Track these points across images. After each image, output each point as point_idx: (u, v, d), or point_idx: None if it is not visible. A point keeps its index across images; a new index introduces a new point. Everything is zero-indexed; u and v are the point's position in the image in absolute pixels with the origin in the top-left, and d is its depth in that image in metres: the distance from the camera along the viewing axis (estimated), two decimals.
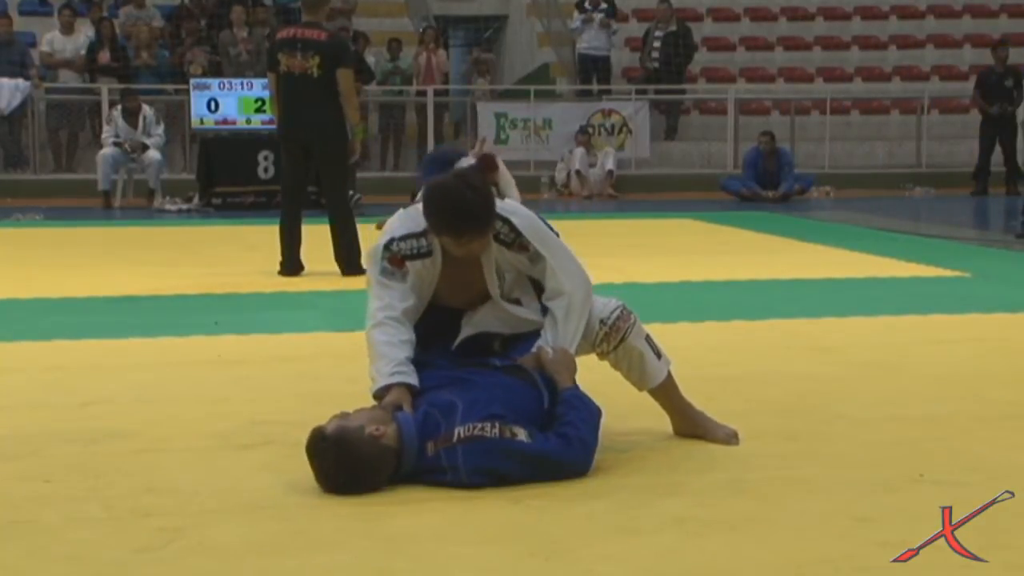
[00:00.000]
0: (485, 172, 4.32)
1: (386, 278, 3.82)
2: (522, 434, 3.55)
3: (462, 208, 3.67)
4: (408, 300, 3.81)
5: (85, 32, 16.67)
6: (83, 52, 16.33)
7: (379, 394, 3.71)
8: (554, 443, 3.58)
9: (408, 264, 3.81)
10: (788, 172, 15.62)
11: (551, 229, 4.00)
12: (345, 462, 3.44)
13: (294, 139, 8.24)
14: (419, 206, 3.81)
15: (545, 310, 3.92)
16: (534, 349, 3.83)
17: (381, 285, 3.83)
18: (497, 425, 3.55)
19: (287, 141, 8.31)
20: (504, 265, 3.87)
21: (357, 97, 8.58)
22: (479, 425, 3.53)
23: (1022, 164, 16.49)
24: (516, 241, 3.83)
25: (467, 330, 3.88)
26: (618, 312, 3.95)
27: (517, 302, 3.92)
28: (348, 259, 8.13)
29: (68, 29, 16.49)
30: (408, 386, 3.69)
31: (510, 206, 3.91)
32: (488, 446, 3.50)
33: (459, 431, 3.52)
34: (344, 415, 3.55)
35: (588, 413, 3.69)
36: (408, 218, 3.86)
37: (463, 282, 3.86)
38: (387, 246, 3.82)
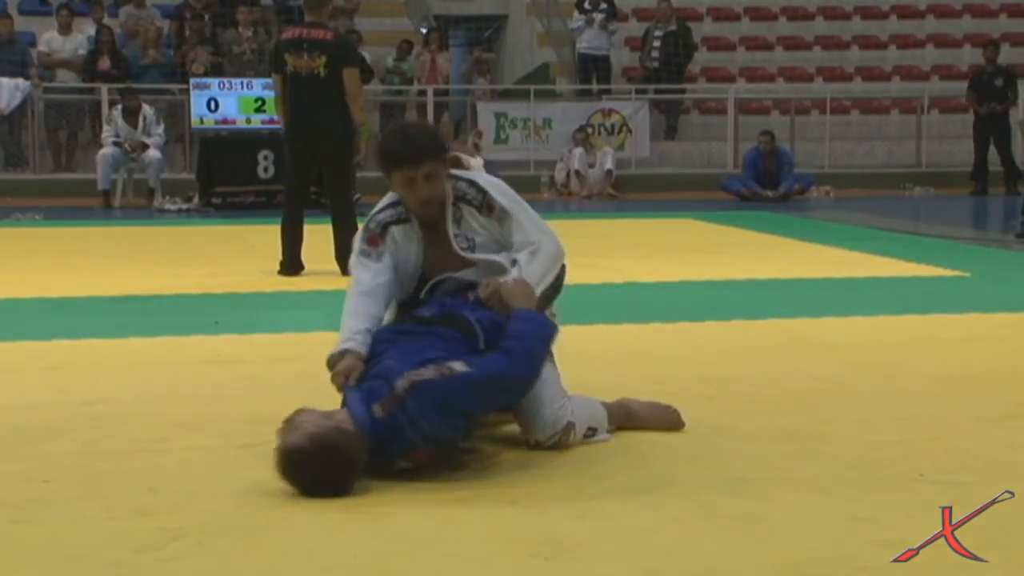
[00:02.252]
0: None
1: (363, 258, 3.98)
2: (459, 366, 3.53)
3: (403, 137, 3.91)
4: (380, 277, 3.93)
5: (86, 32, 16.66)
6: (81, 52, 16.32)
7: (331, 361, 3.79)
8: (493, 361, 3.56)
9: (388, 235, 3.93)
10: (788, 172, 15.62)
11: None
12: (331, 463, 3.41)
13: (300, 139, 8.24)
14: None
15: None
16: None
17: (359, 266, 3.98)
18: (430, 366, 3.54)
19: (293, 141, 8.31)
20: (476, 228, 3.94)
21: (363, 97, 8.59)
22: (415, 372, 3.53)
23: (1020, 164, 16.50)
24: (484, 201, 3.93)
25: (440, 277, 3.95)
26: (559, 435, 3.86)
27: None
28: (349, 259, 8.14)
29: (66, 29, 16.49)
30: (357, 353, 3.76)
31: (476, 174, 4.08)
32: (431, 387, 3.48)
33: (399, 384, 3.52)
34: (289, 424, 3.50)
35: (537, 325, 3.67)
36: (386, 197, 4.05)
37: (446, 256, 3.93)
38: (367, 224, 4.00)
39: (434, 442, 3.52)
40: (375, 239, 3.96)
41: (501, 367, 3.56)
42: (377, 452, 3.52)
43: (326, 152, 8.22)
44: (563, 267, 4.06)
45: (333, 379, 3.75)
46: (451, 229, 3.92)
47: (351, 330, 3.84)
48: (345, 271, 8.23)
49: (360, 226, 4.16)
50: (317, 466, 3.41)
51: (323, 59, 8.13)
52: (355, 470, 3.47)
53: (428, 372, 3.53)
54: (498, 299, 3.77)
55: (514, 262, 3.92)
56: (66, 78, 16.33)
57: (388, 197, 4.03)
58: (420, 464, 3.57)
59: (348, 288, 3.98)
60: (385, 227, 3.96)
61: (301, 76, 8.16)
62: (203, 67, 15.51)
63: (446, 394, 3.49)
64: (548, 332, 3.70)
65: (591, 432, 3.95)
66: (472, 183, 3.96)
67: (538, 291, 3.86)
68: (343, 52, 8.26)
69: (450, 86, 18.04)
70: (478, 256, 3.93)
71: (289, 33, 8.50)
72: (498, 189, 3.99)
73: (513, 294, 3.77)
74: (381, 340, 3.80)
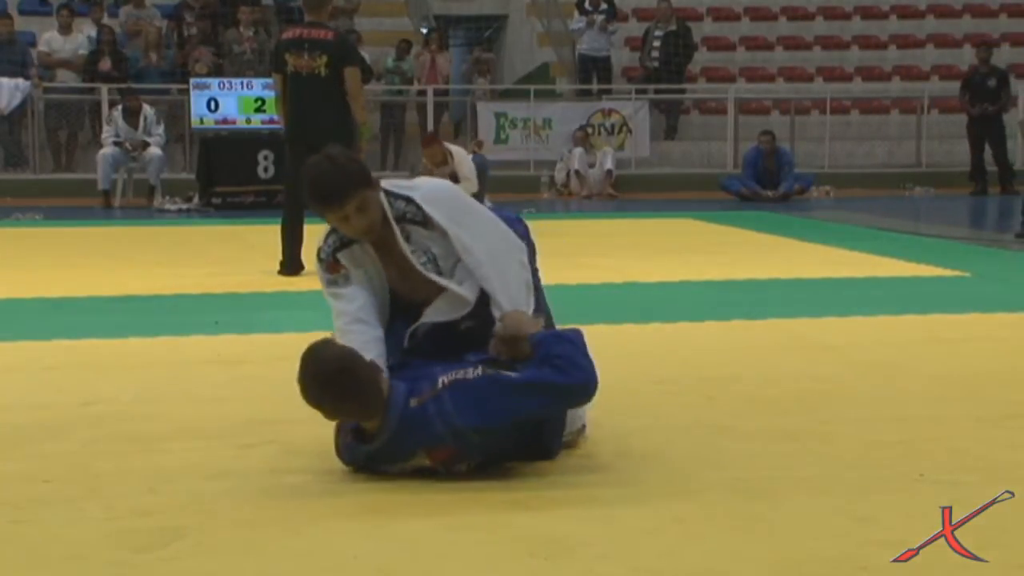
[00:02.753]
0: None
1: (332, 287, 3.86)
2: (511, 374, 3.52)
3: (323, 176, 3.74)
4: (358, 299, 3.80)
5: (86, 32, 16.65)
6: (81, 52, 16.31)
7: None
8: (546, 371, 3.52)
9: (343, 261, 3.82)
10: (788, 172, 15.62)
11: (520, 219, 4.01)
12: (341, 372, 3.40)
13: (301, 139, 8.24)
14: None
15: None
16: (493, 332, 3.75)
17: (332, 297, 3.87)
18: (479, 367, 3.54)
19: (294, 141, 8.30)
20: (424, 243, 3.81)
21: (364, 96, 8.59)
22: (460, 370, 3.53)
23: (1020, 164, 16.51)
24: (424, 218, 3.80)
25: (422, 320, 3.84)
26: (572, 436, 3.87)
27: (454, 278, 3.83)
28: None
29: (66, 30, 16.48)
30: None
31: (413, 183, 3.94)
32: (471, 384, 3.48)
33: (442, 379, 3.52)
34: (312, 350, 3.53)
35: (569, 342, 3.60)
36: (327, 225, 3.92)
37: (408, 275, 3.82)
38: (317, 256, 3.90)
39: (461, 440, 3.49)
40: (332, 266, 3.86)
41: (553, 377, 3.51)
42: (399, 441, 3.50)
43: None
44: (531, 247, 3.96)
45: None
46: (406, 250, 3.79)
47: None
48: None
49: None
50: (330, 367, 3.42)
51: (324, 59, 8.13)
52: (357, 403, 3.46)
53: (471, 372, 3.53)
54: (505, 346, 3.68)
55: (482, 293, 3.77)
56: (66, 78, 16.32)
57: (328, 225, 3.91)
58: (436, 463, 3.55)
59: (333, 320, 3.84)
60: (334, 253, 3.85)
61: (302, 76, 8.16)
62: (206, 67, 15.51)
63: (486, 390, 3.49)
64: (581, 340, 3.63)
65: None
66: (408, 200, 3.81)
67: (530, 306, 3.77)
68: (344, 52, 8.25)
69: (450, 86, 18.03)
70: (441, 280, 3.79)
71: (290, 33, 8.49)
72: (436, 201, 3.83)
73: (517, 328, 3.67)
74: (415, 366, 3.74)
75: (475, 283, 3.78)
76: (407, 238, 3.79)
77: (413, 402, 3.50)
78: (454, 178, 10.64)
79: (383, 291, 3.86)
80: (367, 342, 3.69)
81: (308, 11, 8.48)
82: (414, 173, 11.57)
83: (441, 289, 3.79)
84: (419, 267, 3.79)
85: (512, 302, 3.73)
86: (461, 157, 11.68)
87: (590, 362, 3.57)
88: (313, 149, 8.46)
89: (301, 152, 8.27)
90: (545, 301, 3.97)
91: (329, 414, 3.54)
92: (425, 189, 3.89)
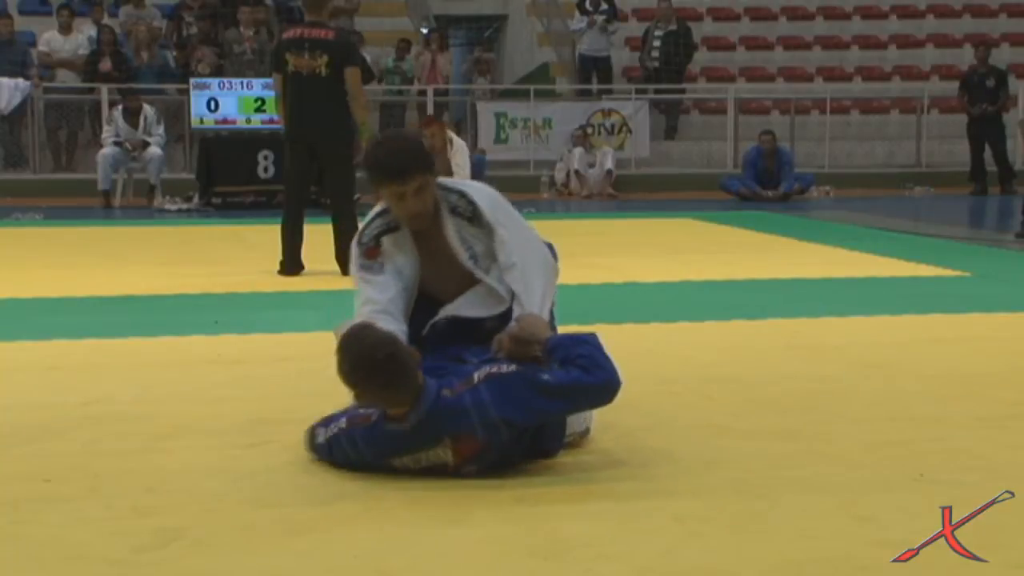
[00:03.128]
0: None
1: (365, 273, 3.92)
2: (540, 374, 3.54)
3: (392, 151, 3.82)
4: (389, 290, 3.87)
5: (87, 32, 16.66)
6: (80, 51, 16.31)
7: None
8: (574, 372, 3.55)
9: (383, 247, 3.88)
10: (788, 171, 15.62)
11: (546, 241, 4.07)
12: (390, 359, 3.43)
13: (301, 139, 8.24)
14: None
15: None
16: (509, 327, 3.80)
17: (362, 281, 3.92)
18: (514, 365, 3.57)
19: (294, 141, 8.30)
20: (469, 239, 3.90)
21: (365, 96, 8.59)
22: (495, 366, 3.55)
23: (1019, 164, 16.51)
24: (473, 213, 3.88)
25: (442, 314, 3.89)
26: (575, 436, 3.91)
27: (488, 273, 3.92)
28: (349, 259, 8.19)
29: (66, 30, 16.48)
30: None
31: (465, 183, 4.03)
32: (511, 380, 3.51)
33: (476, 374, 3.54)
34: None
35: (588, 345, 3.63)
36: (377, 205, 4.00)
37: (444, 268, 3.88)
38: (359, 238, 3.96)
39: (492, 432, 3.49)
40: (372, 251, 3.92)
41: (583, 378, 3.55)
42: (428, 426, 3.49)
43: (327, 152, 8.20)
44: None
45: None
46: (454, 241, 3.87)
47: None
48: (346, 271, 8.25)
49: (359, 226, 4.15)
50: (370, 345, 3.45)
51: (325, 58, 8.12)
52: (395, 385, 3.47)
53: (504, 367, 3.56)
54: (516, 345, 3.70)
55: (513, 295, 3.86)
56: (66, 78, 16.32)
57: (378, 205, 3.99)
58: (458, 457, 3.53)
59: (356, 306, 3.90)
60: (378, 238, 3.92)
61: (302, 76, 8.15)
62: (209, 67, 15.51)
63: (524, 388, 3.51)
64: (598, 342, 3.67)
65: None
66: (462, 195, 3.91)
67: (544, 312, 3.83)
68: (345, 51, 8.25)
69: (450, 86, 18.04)
70: (483, 276, 3.87)
71: (290, 33, 8.48)
72: (487, 200, 3.93)
73: (531, 330, 3.71)
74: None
75: (507, 286, 3.86)
76: (457, 233, 3.88)
77: (445, 392, 3.52)
78: (447, 167, 10.61)
79: (413, 284, 3.91)
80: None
81: (308, 11, 8.46)
82: None
83: (474, 284, 3.87)
84: (463, 260, 3.86)
85: (532, 306, 3.80)
86: (460, 147, 11.58)
87: (611, 362, 3.61)
88: (313, 149, 8.53)
89: (301, 152, 8.30)
90: (555, 320, 4.01)
91: (369, 397, 3.51)
92: (476, 187, 4.01)
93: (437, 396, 3.51)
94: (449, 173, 10.15)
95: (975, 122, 16.37)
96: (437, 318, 3.90)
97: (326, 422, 3.73)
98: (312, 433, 3.77)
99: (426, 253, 3.91)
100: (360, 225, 4.10)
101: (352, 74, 8.19)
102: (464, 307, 3.90)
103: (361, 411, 3.63)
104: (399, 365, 3.45)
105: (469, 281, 3.90)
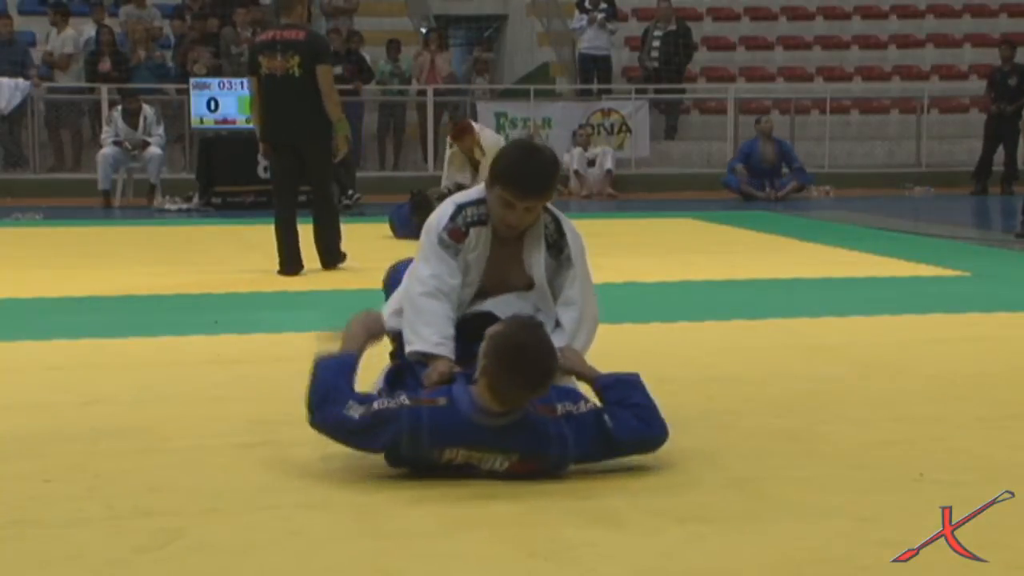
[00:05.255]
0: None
1: (443, 249, 3.87)
2: (607, 419, 3.59)
3: (531, 168, 3.79)
4: (456, 277, 3.86)
5: (87, 32, 16.64)
6: (67, 50, 16.28)
7: (418, 358, 3.75)
8: (633, 422, 3.62)
9: (468, 237, 3.86)
10: (791, 162, 15.62)
11: None
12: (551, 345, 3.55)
13: (283, 140, 8.29)
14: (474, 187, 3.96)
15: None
16: None
17: (437, 255, 3.86)
18: (589, 403, 3.63)
19: (276, 144, 8.36)
20: (541, 261, 3.92)
21: (339, 94, 8.64)
22: (572, 404, 3.59)
23: (1022, 164, 16.48)
24: (556, 242, 3.92)
25: (486, 306, 3.90)
26: None
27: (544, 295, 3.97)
28: (328, 249, 8.39)
29: (59, 29, 16.44)
30: (450, 361, 3.73)
31: (566, 219, 4.02)
32: (585, 421, 3.56)
33: (559, 406, 3.56)
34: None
35: (639, 391, 3.71)
36: (468, 192, 3.98)
37: (503, 270, 3.91)
38: (454, 215, 3.88)
39: (560, 463, 3.56)
40: (458, 235, 3.87)
41: (644, 432, 3.65)
42: (510, 434, 3.49)
43: (308, 152, 8.28)
44: None
45: (431, 381, 3.69)
46: (529, 258, 3.89)
47: (440, 332, 3.76)
48: (329, 265, 8.34)
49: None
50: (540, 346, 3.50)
51: (296, 59, 8.18)
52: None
53: (582, 406, 3.61)
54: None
55: (557, 323, 3.91)
56: (60, 77, 16.28)
57: (476, 192, 3.94)
58: (516, 469, 3.53)
59: (422, 272, 3.85)
60: (469, 225, 3.87)
61: (276, 78, 8.21)
62: (205, 67, 15.51)
63: (594, 433, 3.57)
64: (641, 383, 3.75)
65: None
66: (558, 225, 3.93)
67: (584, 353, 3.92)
68: (316, 50, 8.30)
69: (450, 86, 18.04)
70: (542, 283, 3.92)
71: (264, 36, 8.60)
72: (575, 243, 3.97)
73: (573, 364, 3.78)
74: None
75: (555, 313, 3.92)
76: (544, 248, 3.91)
77: (540, 409, 3.55)
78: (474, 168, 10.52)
79: (474, 282, 3.91)
80: (448, 318, 3.81)
81: (282, 13, 8.58)
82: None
83: (527, 288, 3.91)
84: (529, 270, 3.89)
85: (576, 342, 3.88)
86: (490, 149, 11.09)
87: (659, 411, 3.69)
88: (294, 149, 8.57)
89: (285, 154, 8.34)
90: None
91: (549, 383, 3.51)
92: (572, 227, 4.01)
93: (533, 408, 3.53)
94: (475, 179, 10.11)
95: (994, 120, 16.31)
96: (475, 308, 3.91)
97: (367, 399, 3.59)
98: (333, 408, 3.58)
99: (496, 254, 3.91)
100: (435, 210, 4.02)
101: (324, 72, 8.24)
102: (503, 306, 3.91)
103: (424, 393, 3.60)
104: (556, 367, 3.54)
105: (515, 283, 3.94)
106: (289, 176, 8.44)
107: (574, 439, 3.53)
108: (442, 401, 3.53)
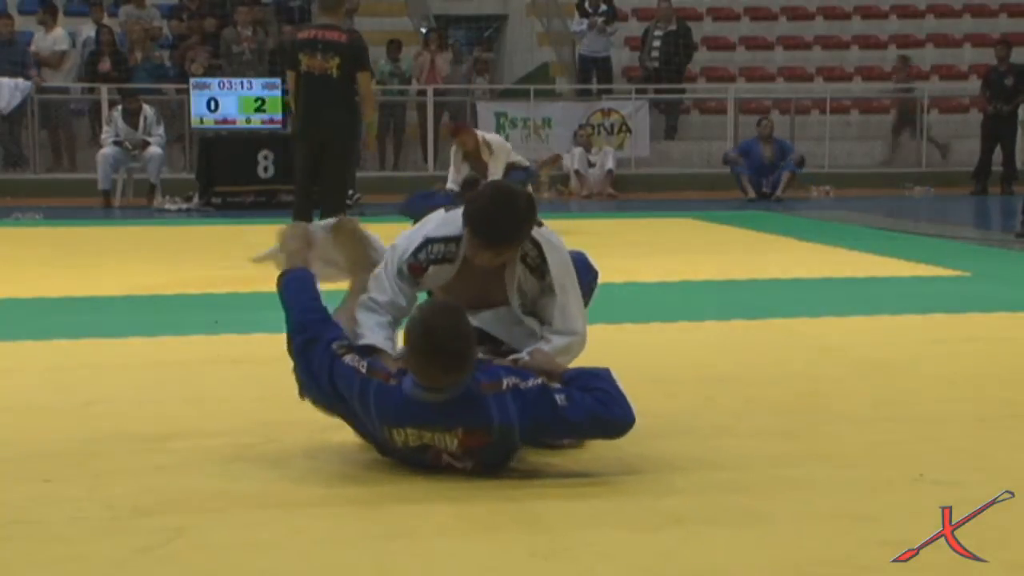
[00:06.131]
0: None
1: (400, 280, 3.90)
2: (560, 397, 3.55)
3: (497, 218, 3.71)
4: (411, 301, 3.90)
5: (86, 32, 16.65)
6: (60, 47, 16.27)
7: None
8: (589, 400, 3.57)
9: (427, 273, 3.87)
10: (789, 156, 15.63)
11: (592, 267, 4.18)
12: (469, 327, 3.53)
13: (313, 137, 8.40)
14: (458, 212, 3.86)
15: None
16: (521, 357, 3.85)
17: (392, 285, 3.90)
18: (537, 380, 3.57)
19: (305, 139, 8.46)
20: (524, 285, 3.91)
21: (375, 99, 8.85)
22: (520, 379, 3.55)
23: (1021, 164, 16.48)
24: (539, 266, 3.87)
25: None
26: None
27: (531, 315, 3.96)
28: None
29: (48, 28, 16.43)
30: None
31: (547, 233, 3.94)
32: (531, 395, 3.52)
33: (505, 381, 3.53)
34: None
35: (604, 380, 3.66)
36: (448, 220, 3.91)
37: (477, 290, 3.90)
38: (419, 248, 3.87)
39: (505, 437, 3.51)
40: (419, 270, 3.88)
41: (601, 410, 3.58)
42: (451, 410, 3.48)
43: (331, 151, 8.35)
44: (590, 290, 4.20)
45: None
46: (511, 284, 3.86)
47: (379, 338, 3.81)
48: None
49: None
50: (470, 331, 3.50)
51: (336, 60, 8.32)
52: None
53: (530, 382, 3.56)
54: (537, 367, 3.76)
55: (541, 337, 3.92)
56: (50, 77, 16.28)
57: (450, 225, 3.87)
58: (464, 446, 3.52)
59: (373, 295, 3.91)
60: (431, 263, 3.87)
61: (314, 76, 8.36)
62: (202, 67, 15.51)
63: (540, 408, 3.52)
64: (609, 375, 3.70)
65: None
66: (538, 248, 3.85)
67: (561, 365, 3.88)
68: (356, 55, 8.44)
69: (450, 86, 18.04)
70: (523, 318, 3.92)
71: (305, 33, 8.72)
72: (557, 261, 3.89)
73: (542, 364, 3.76)
74: None
75: (540, 332, 3.91)
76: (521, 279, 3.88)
77: (483, 385, 3.53)
78: (482, 170, 10.38)
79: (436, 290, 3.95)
80: (385, 323, 3.86)
81: (322, 12, 8.74)
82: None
83: (494, 307, 3.91)
84: (509, 298, 3.88)
85: (551, 347, 3.86)
86: (498, 150, 10.71)
87: (626, 399, 3.63)
88: (324, 147, 8.70)
89: (312, 150, 8.44)
90: None
91: (465, 366, 3.48)
92: (552, 244, 3.91)
93: (474, 382, 3.52)
94: (484, 175, 10.09)
95: (990, 120, 16.31)
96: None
97: (351, 348, 3.69)
98: (323, 341, 3.78)
99: (468, 277, 3.87)
100: (415, 228, 4.01)
101: (364, 78, 8.49)
102: (488, 324, 3.92)
103: (382, 365, 3.61)
104: (474, 351, 3.50)
105: (492, 302, 3.93)
106: (311, 174, 8.55)
107: (518, 411, 3.48)
108: (393, 381, 3.57)
